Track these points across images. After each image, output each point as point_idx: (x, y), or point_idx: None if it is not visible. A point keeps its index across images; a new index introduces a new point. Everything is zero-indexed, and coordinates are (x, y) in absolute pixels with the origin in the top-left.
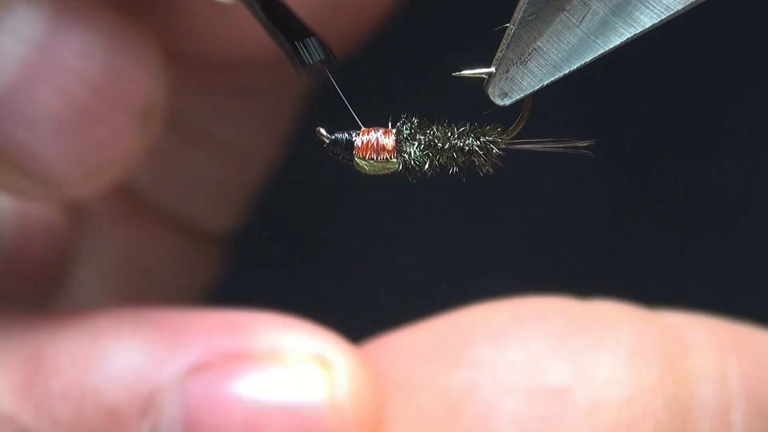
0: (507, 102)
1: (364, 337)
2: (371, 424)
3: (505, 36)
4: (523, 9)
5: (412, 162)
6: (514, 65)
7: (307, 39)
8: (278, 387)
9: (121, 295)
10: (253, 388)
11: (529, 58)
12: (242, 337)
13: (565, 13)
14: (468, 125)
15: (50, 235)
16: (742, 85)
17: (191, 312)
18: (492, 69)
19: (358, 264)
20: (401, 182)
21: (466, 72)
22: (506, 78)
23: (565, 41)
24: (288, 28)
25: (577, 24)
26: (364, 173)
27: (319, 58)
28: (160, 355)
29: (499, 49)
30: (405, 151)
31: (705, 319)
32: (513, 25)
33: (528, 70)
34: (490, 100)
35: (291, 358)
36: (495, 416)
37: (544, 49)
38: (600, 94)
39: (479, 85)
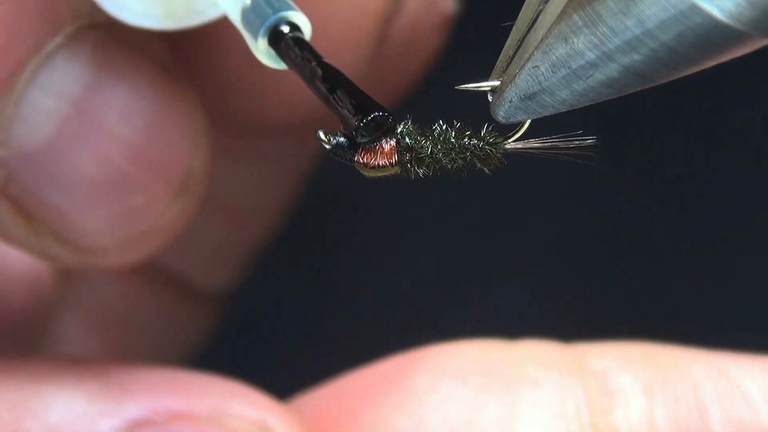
0: (510, 121)
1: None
2: None
3: (515, 56)
4: (532, 63)
5: (413, 163)
6: (519, 100)
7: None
8: None
9: (105, 347)
10: None
11: (533, 97)
12: (185, 397)
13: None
14: (469, 126)
15: (32, 284)
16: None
17: (137, 367)
18: (497, 83)
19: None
20: (397, 200)
21: (470, 85)
22: (511, 107)
23: (571, 89)
24: (354, 103)
25: (584, 80)
26: (366, 175)
27: (379, 130)
28: (101, 407)
29: (502, 58)
30: (405, 152)
31: (631, 352)
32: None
33: (535, 102)
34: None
35: (232, 423)
36: None
37: (551, 90)
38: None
39: (482, 94)
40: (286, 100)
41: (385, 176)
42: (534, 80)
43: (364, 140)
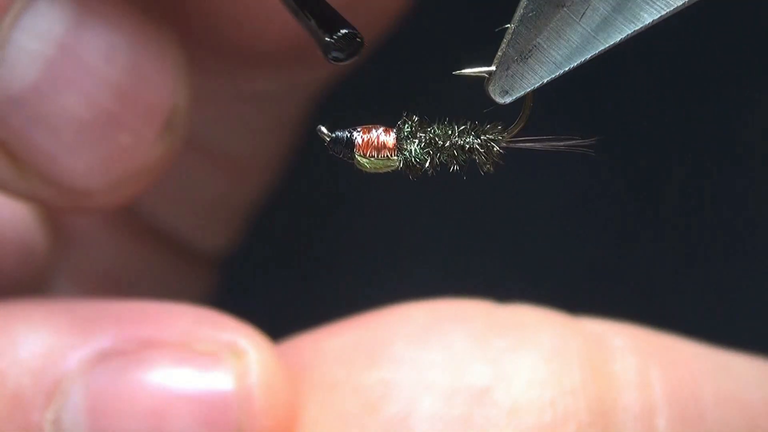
0: (508, 100)
1: None
2: (283, 415)
3: (506, 34)
4: (523, 6)
5: (413, 160)
6: (514, 63)
7: (341, 32)
8: (187, 375)
9: None
10: (161, 376)
11: (529, 55)
12: (153, 325)
13: (565, 9)
14: (469, 123)
15: (24, 249)
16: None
17: (104, 301)
18: (493, 68)
19: (352, 284)
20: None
21: (467, 70)
22: (507, 76)
23: (565, 38)
24: (323, 19)
25: (578, 20)
26: (365, 171)
27: (350, 49)
28: (69, 341)
29: (499, 48)
30: (405, 149)
31: (626, 326)
32: (513, 24)
33: (528, 68)
34: (490, 98)
35: (202, 347)
36: (413, 415)
37: (545, 46)
38: (602, 94)
39: (480, 83)
40: (268, 26)
41: (384, 173)
42: (530, 31)
43: (335, 57)
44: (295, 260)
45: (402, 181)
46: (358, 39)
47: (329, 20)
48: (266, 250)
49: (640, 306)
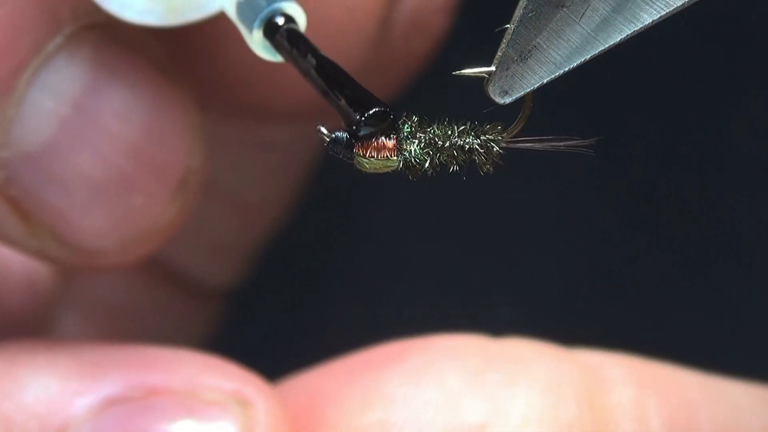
0: (507, 100)
1: None
2: None
3: (505, 34)
4: (523, 7)
5: (413, 160)
6: (514, 63)
7: (372, 110)
8: (193, 425)
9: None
10: (168, 424)
11: (529, 55)
12: (159, 372)
13: (564, 9)
14: (468, 123)
15: (30, 283)
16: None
17: (110, 345)
18: (492, 68)
19: (352, 309)
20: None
21: (467, 71)
22: (506, 76)
23: (565, 38)
24: (353, 98)
25: (577, 20)
26: (365, 171)
27: (381, 125)
28: (75, 386)
29: (499, 48)
30: (405, 149)
31: (622, 357)
32: (513, 24)
33: (528, 68)
34: (490, 98)
35: (209, 396)
36: None
37: (545, 46)
38: (602, 95)
39: (480, 83)
40: (288, 88)
41: (384, 173)
42: (529, 31)
43: (365, 134)
44: (297, 292)
45: (403, 209)
46: (389, 115)
47: (359, 99)
48: (268, 284)
49: (639, 325)
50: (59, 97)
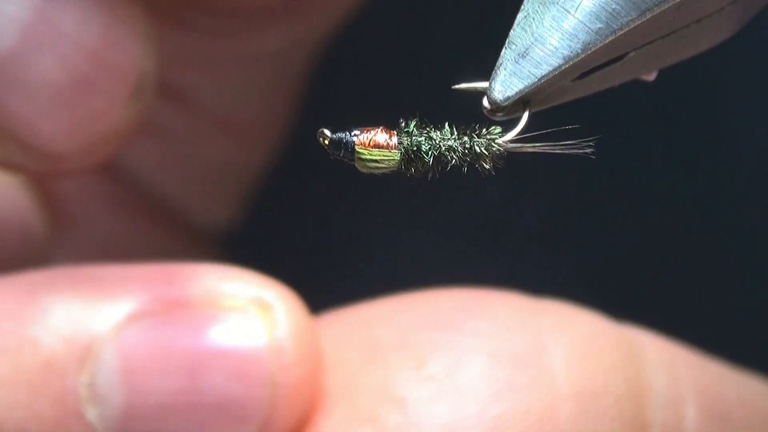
0: (505, 103)
1: None
2: (312, 365)
3: (506, 41)
4: (522, 10)
5: (413, 161)
6: (512, 65)
7: None
8: (217, 331)
9: None
10: (191, 334)
11: (527, 56)
12: (180, 285)
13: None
14: (468, 125)
15: (23, 231)
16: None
17: (128, 266)
18: (487, 84)
19: (356, 264)
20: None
21: (465, 85)
22: (505, 78)
23: (562, 36)
24: None
25: (572, 13)
26: (365, 172)
27: None
28: (98, 305)
29: (500, 57)
30: (405, 151)
31: (660, 339)
32: (512, 29)
33: (526, 70)
34: (486, 115)
35: (230, 303)
36: (460, 372)
37: (543, 48)
38: (602, 95)
39: (479, 97)
40: None
41: (382, 174)
42: (526, 31)
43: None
44: (297, 240)
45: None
46: None
47: None
48: (269, 228)
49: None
50: (20, 4)
